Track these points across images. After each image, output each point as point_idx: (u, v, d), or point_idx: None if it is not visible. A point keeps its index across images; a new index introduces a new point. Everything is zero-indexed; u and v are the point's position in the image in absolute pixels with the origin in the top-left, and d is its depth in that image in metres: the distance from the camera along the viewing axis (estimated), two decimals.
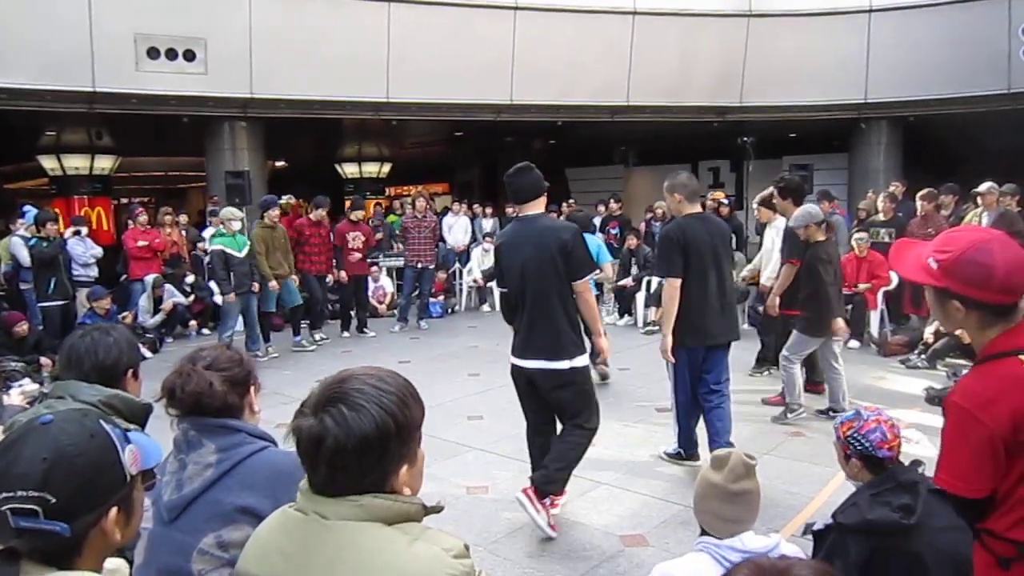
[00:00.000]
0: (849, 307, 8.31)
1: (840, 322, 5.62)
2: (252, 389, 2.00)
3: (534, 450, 4.09)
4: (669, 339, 4.50)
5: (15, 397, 2.91)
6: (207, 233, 11.12)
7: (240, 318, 8.32)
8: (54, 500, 1.16)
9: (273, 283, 8.37)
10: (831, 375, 5.77)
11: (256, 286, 8.24)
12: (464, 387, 6.91)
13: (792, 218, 5.78)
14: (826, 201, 9.07)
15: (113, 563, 1.35)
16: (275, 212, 8.70)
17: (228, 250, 8.01)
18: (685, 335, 4.49)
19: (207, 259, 9.30)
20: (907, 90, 12.19)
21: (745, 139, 11.34)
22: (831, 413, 5.56)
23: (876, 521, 2.19)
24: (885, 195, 9.21)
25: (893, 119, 12.97)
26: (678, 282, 4.42)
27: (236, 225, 8.19)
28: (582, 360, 3.87)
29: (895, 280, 8.43)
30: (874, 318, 8.37)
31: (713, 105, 12.89)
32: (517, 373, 3.98)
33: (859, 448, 2.32)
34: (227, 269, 8.01)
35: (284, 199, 10.67)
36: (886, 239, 8.84)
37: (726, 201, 10.13)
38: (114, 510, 1.25)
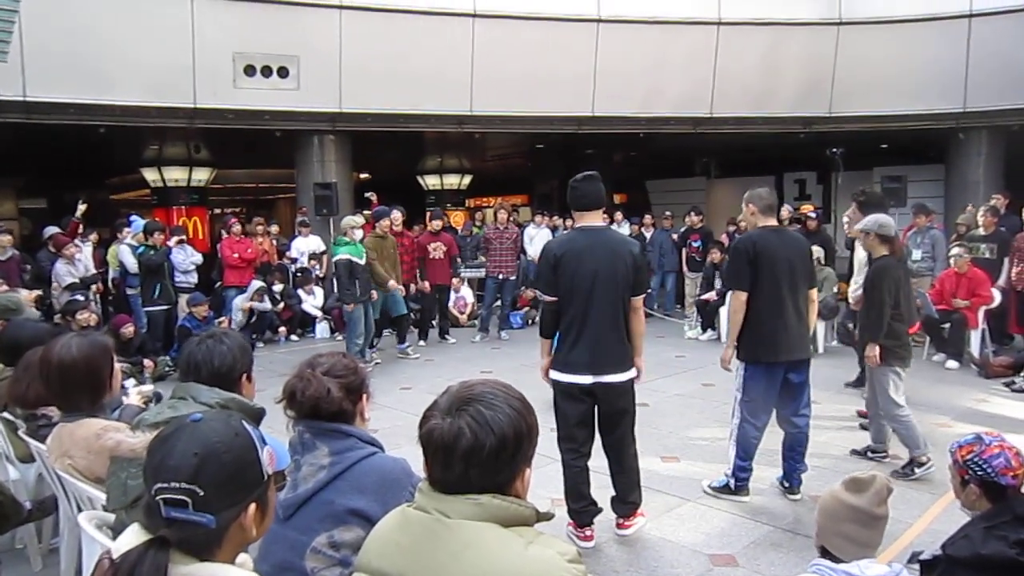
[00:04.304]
0: (947, 326, 7.98)
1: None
2: (364, 397, 2.08)
3: (585, 476, 3.91)
4: (731, 351, 4.45)
5: (133, 397, 3.09)
6: (296, 243, 11.56)
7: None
8: (202, 493, 1.24)
9: (373, 293, 8.40)
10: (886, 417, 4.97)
11: (374, 294, 8.40)
12: (546, 398, 6.91)
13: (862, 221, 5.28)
14: (923, 215, 8.73)
15: (240, 557, 1.43)
16: (386, 223, 8.85)
17: (353, 259, 8.10)
18: (758, 350, 4.35)
19: (331, 268, 9.31)
20: (1010, 98, 11.57)
21: (834, 150, 11.02)
22: (869, 455, 5.13)
23: (990, 556, 2.09)
24: (986, 208, 8.79)
25: (994, 128, 12.34)
26: (744, 295, 4.33)
27: (358, 234, 8.30)
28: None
29: (998, 298, 8.03)
30: (975, 338, 7.97)
31: (800, 115, 12.56)
32: (577, 392, 3.81)
33: (980, 474, 2.21)
34: (352, 278, 8.06)
35: (368, 195, 10.96)
36: (987, 255, 8.46)
37: (813, 214, 9.81)
38: (253, 506, 1.33)
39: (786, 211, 10.05)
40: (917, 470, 4.75)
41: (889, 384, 4.78)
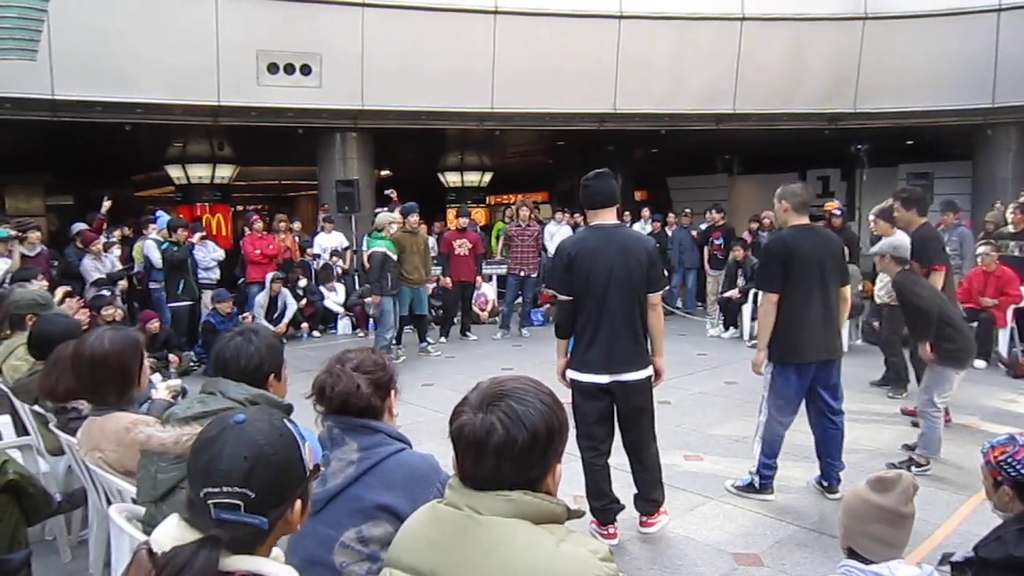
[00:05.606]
0: (975, 324, 7.85)
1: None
2: (392, 393, 2.09)
3: (606, 474, 3.90)
4: (763, 354, 4.39)
5: (162, 391, 3.12)
6: (318, 240, 11.63)
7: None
8: (253, 496, 1.25)
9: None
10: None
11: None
12: (567, 396, 6.92)
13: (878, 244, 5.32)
14: (951, 212, 8.61)
15: (273, 551, 1.43)
16: (414, 218, 8.92)
17: (388, 252, 8.29)
18: (785, 352, 4.30)
19: (366, 258, 9.08)
20: None
21: (859, 146, 10.90)
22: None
23: None
24: (1015, 205, 8.62)
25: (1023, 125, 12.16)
26: (775, 297, 4.27)
27: (394, 228, 8.48)
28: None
29: None
30: (1003, 337, 7.85)
31: (824, 112, 12.44)
32: (595, 391, 3.80)
33: (1013, 475, 2.17)
34: (384, 271, 8.25)
35: (387, 192, 11.02)
36: (1016, 252, 8.30)
37: (838, 212, 9.69)
38: (298, 502, 1.34)
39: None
40: (913, 468, 4.67)
41: (931, 381, 4.81)
